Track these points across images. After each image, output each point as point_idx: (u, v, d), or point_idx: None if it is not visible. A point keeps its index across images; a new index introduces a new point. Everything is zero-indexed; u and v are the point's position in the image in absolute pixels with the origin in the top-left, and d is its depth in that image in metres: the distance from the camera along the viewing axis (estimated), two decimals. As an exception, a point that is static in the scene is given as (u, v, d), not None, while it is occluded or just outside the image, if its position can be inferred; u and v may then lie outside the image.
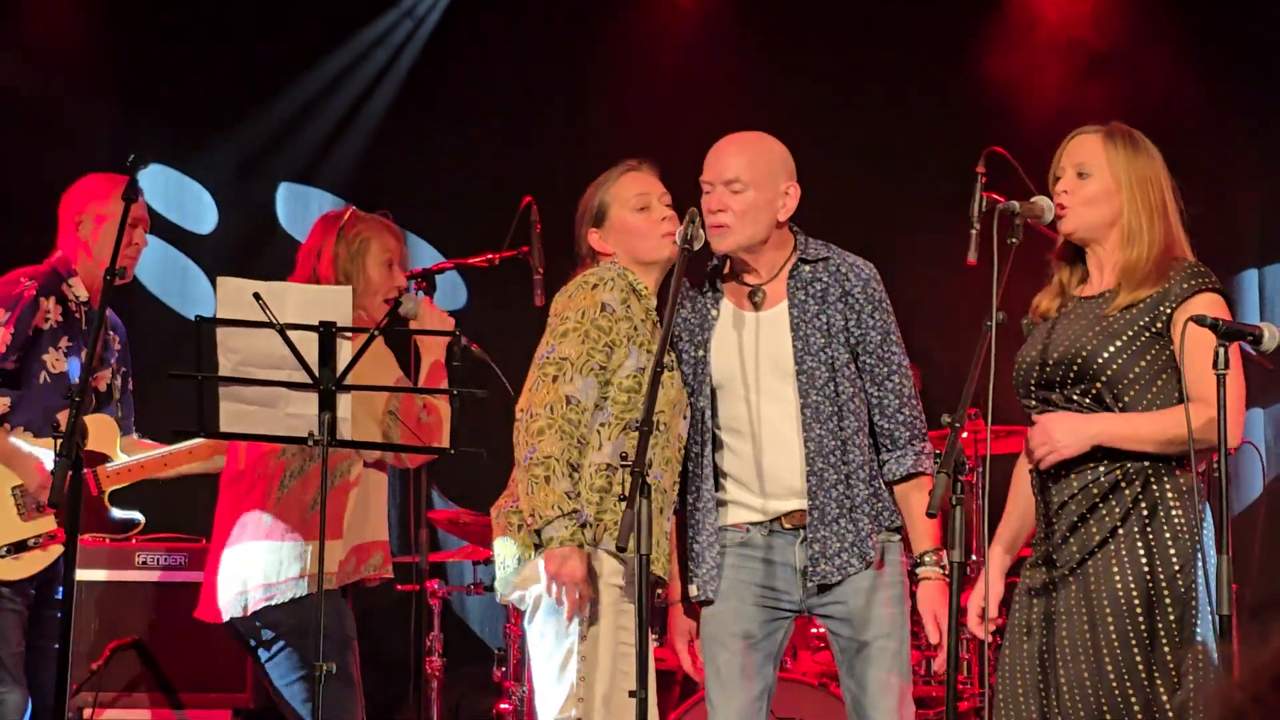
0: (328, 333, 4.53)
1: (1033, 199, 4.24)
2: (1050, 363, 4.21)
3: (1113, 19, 8.48)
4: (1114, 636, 4.08)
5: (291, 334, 4.51)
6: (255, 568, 5.00)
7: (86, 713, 6.26)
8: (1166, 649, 4.06)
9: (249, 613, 5.00)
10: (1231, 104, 8.32)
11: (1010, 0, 8.53)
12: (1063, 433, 4.13)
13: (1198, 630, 4.05)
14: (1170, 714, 4.03)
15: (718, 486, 4.58)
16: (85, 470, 5.40)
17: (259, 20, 8.59)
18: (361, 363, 4.55)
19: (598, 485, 4.50)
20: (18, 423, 5.49)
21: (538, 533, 4.46)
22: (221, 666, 6.25)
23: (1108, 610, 4.09)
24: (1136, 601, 4.08)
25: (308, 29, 8.73)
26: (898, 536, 4.58)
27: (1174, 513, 4.11)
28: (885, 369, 4.56)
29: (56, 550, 5.44)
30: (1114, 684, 4.07)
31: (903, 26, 8.42)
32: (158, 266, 8.43)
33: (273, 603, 4.98)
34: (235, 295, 4.56)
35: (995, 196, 4.26)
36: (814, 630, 6.37)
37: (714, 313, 4.61)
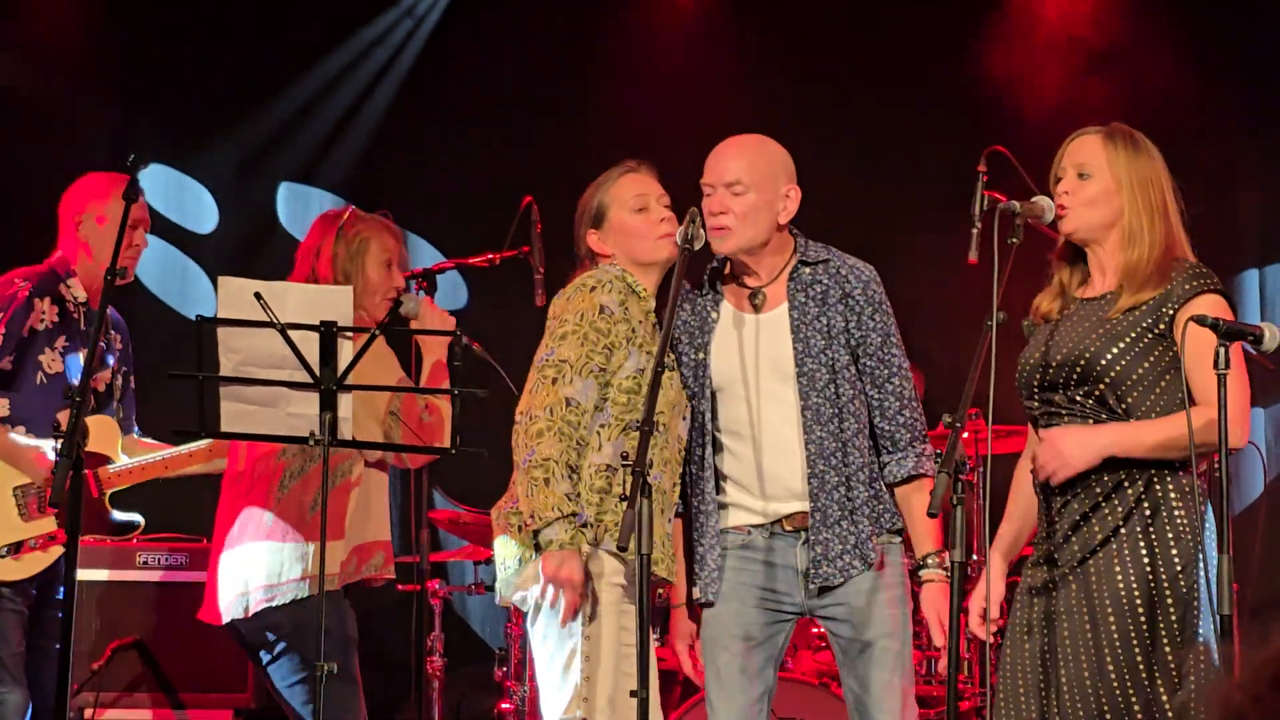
0: (329, 332, 4.53)
1: (1033, 199, 4.25)
2: (1053, 365, 4.21)
3: (1113, 18, 8.49)
4: (1115, 636, 4.08)
5: (292, 334, 4.51)
6: (257, 569, 4.99)
7: (87, 713, 6.25)
8: (1168, 649, 4.06)
9: (250, 614, 4.99)
10: (1231, 104, 8.33)
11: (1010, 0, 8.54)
12: (1073, 447, 4.12)
13: (1199, 630, 4.05)
14: (1170, 714, 4.03)
15: (718, 489, 4.58)
16: (86, 471, 5.40)
17: (259, 20, 8.59)
18: (363, 363, 4.55)
19: (597, 486, 4.50)
20: (16, 424, 5.49)
21: (536, 534, 4.46)
22: (222, 667, 6.25)
23: (1109, 610, 4.09)
24: (1138, 601, 4.08)
25: (307, 29, 8.73)
26: (899, 538, 4.58)
27: (1176, 513, 4.11)
28: (885, 371, 4.56)
29: (57, 551, 5.44)
30: (1115, 684, 4.07)
31: (902, 26, 8.41)
32: (158, 266, 8.42)
33: (274, 604, 4.98)
34: (236, 295, 4.56)
35: (996, 195, 4.26)
36: (814, 630, 6.37)
37: (714, 315, 4.62)
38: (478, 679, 7.46)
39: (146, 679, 6.35)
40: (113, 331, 5.72)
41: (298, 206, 8.72)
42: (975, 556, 6.30)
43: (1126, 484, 4.13)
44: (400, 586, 6.39)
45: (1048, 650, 4.17)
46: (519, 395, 4.63)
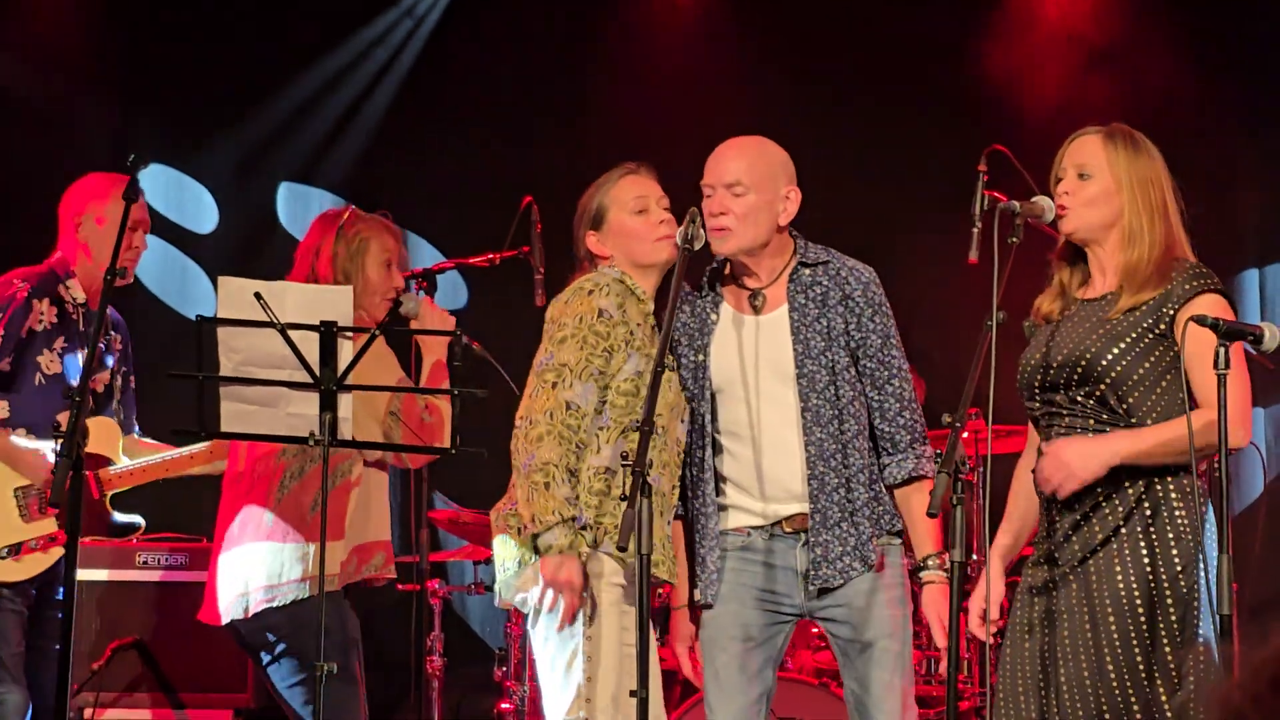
0: (329, 332, 4.52)
1: (1033, 199, 4.25)
2: (1054, 365, 4.21)
3: (1113, 16, 8.49)
4: (1115, 636, 4.08)
5: (292, 334, 4.51)
6: (257, 569, 4.99)
7: (87, 713, 6.25)
8: (1168, 649, 4.06)
9: (250, 614, 4.99)
10: (1231, 104, 8.33)
11: (1010, -2, 8.55)
12: (1078, 458, 4.10)
13: (1199, 631, 4.05)
14: (1170, 714, 4.03)
15: (718, 491, 4.57)
16: (86, 473, 5.39)
17: (259, 20, 8.59)
18: (363, 363, 4.55)
19: (596, 489, 4.50)
20: (16, 425, 5.48)
21: (536, 538, 4.46)
22: (222, 667, 6.24)
23: (1109, 609, 4.09)
24: (1138, 601, 4.08)
25: (307, 28, 8.73)
26: (898, 540, 4.58)
27: (1177, 513, 4.11)
28: (885, 373, 4.55)
29: (57, 552, 5.43)
30: (1114, 683, 4.07)
31: (902, 26, 8.41)
32: (158, 266, 8.42)
33: (274, 605, 4.97)
34: (236, 295, 4.56)
35: (997, 195, 4.26)
36: (814, 629, 6.36)
37: (713, 317, 4.61)
38: (477, 679, 7.46)
39: (146, 679, 6.34)
40: (112, 332, 5.71)
41: (297, 206, 8.72)
42: (975, 556, 6.30)
43: (1127, 484, 4.13)
44: (400, 586, 6.39)
45: (1047, 650, 4.17)
46: (519, 395, 4.63)
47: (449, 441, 4.84)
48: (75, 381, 5.33)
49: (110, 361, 5.69)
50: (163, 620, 6.33)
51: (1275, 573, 7.42)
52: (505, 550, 4.59)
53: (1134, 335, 4.16)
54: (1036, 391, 4.26)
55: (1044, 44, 8.48)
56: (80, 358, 5.51)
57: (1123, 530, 4.12)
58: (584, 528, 4.47)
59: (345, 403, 4.55)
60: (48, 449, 5.38)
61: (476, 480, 6.34)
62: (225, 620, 5.04)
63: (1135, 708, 4.06)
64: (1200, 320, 3.96)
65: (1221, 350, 3.93)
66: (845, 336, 4.53)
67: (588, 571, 4.48)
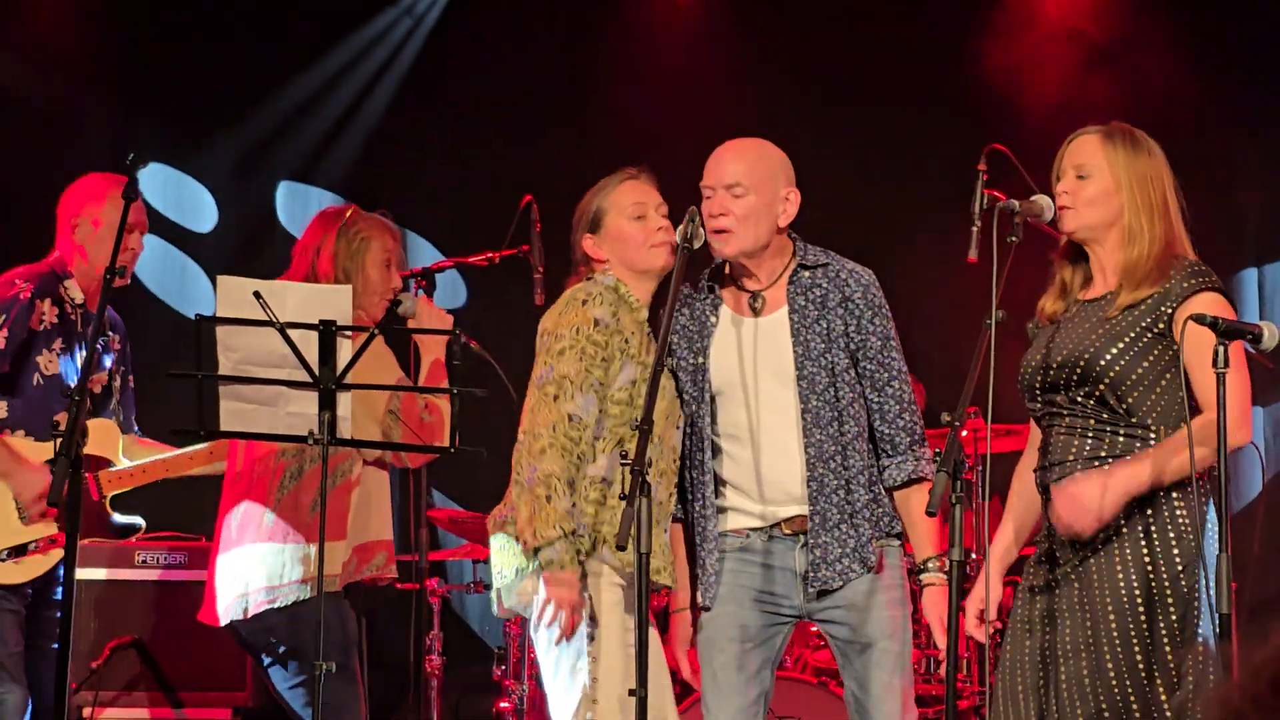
0: (328, 331, 4.52)
1: (1032, 198, 4.25)
2: (1054, 366, 4.21)
3: (1113, 14, 8.49)
4: (1115, 635, 4.07)
5: (292, 333, 4.51)
6: (257, 570, 4.99)
7: (86, 712, 6.25)
8: (1168, 649, 4.06)
9: (250, 615, 4.99)
10: (1231, 104, 8.32)
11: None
12: (1095, 498, 4.05)
13: (1200, 630, 4.05)
14: (1169, 714, 4.03)
15: (717, 493, 4.57)
16: (86, 474, 5.38)
17: (258, 20, 8.58)
18: (362, 362, 4.55)
19: (592, 498, 4.49)
20: (15, 426, 5.47)
21: (537, 550, 4.44)
22: (221, 666, 6.24)
23: (1109, 608, 4.09)
24: (1139, 600, 4.07)
25: (307, 28, 8.73)
26: (898, 542, 4.57)
27: (1178, 512, 4.10)
28: (885, 374, 4.55)
29: (57, 554, 5.42)
30: (1114, 683, 4.07)
31: (902, 26, 8.41)
32: (157, 266, 8.42)
33: (274, 605, 4.97)
34: (235, 294, 4.55)
35: (996, 194, 4.26)
36: (813, 629, 6.36)
37: (712, 319, 4.60)
38: (476, 678, 7.46)
39: (145, 678, 6.34)
40: (111, 332, 5.70)
41: (297, 205, 8.72)
42: (974, 556, 6.30)
43: (1127, 484, 4.13)
44: (399, 585, 6.39)
45: (1047, 649, 4.16)
46: (518, 394, 4.62)
47: (448, 441, 4.84)
48: (73, 382, 5.32)
49: (108, 362, 5.67)
50: (161, 619, 6.33)
51: (1274, 572, 7.42)
52: (503, 557, 4.58)
53: (1133, 334, 4.15)
54: (1037, 392, 4.26)
55: (1044, 43, 8.48)
56: (78, 359, 5.50)
57: (1124, 529, 4.11)
58: (580, 535, 4.46)
59: (344, 402, 4.55)
60: (45, 469, 5.32)
61: (476, 480, 6.35)
62: (225, 621, 5.04)
63: (1135, 707, 4.05)
64: (1199, 319, 3.95)
65: (1220, 349, 3.92)
66: (845, 338, 4.52)
67: (587, 571, 4.47)
